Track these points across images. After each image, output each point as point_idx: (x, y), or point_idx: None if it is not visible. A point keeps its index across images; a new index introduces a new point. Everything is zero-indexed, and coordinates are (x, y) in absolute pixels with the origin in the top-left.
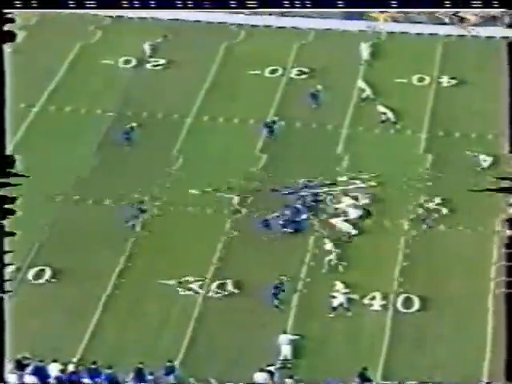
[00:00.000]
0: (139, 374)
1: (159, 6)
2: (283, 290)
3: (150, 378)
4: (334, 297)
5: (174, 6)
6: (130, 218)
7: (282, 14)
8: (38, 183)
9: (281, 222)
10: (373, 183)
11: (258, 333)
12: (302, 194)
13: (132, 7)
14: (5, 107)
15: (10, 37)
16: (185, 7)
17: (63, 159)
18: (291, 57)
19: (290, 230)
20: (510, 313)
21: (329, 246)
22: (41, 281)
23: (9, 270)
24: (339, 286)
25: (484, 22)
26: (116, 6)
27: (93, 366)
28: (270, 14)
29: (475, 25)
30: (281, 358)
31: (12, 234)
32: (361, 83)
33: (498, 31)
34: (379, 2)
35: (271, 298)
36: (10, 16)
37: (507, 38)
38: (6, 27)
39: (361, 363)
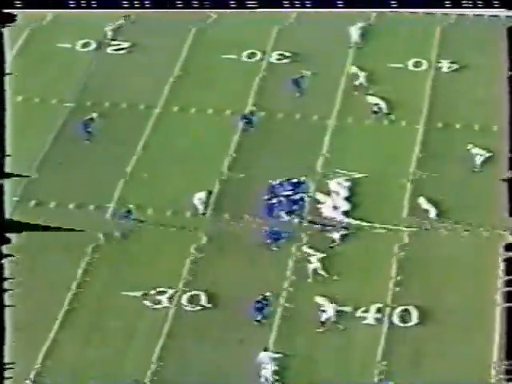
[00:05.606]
0: None
1: (159, 6)
2: (267, 305)
3: None
4: (323, 310)
5: (174, 6)
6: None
7: None
8: None
9: (259, 227)
10: (363, 181)
11: (235, 350)
12: (284, 194)
13: (132, 7)
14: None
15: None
16: (186, 7)
17: (13, 155)
18: (271, 39)
19: (269, 237)
20: None
21: (314, 253)
22: None
23: None
24: (327, 297)
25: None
26: (116, 6)
27: None
28: None
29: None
30: (262, 379)
31: None
32: (352, 68)
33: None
34: (379, 2)
35: (254, 313)
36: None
37: None
38: None
39: (352, 382)
